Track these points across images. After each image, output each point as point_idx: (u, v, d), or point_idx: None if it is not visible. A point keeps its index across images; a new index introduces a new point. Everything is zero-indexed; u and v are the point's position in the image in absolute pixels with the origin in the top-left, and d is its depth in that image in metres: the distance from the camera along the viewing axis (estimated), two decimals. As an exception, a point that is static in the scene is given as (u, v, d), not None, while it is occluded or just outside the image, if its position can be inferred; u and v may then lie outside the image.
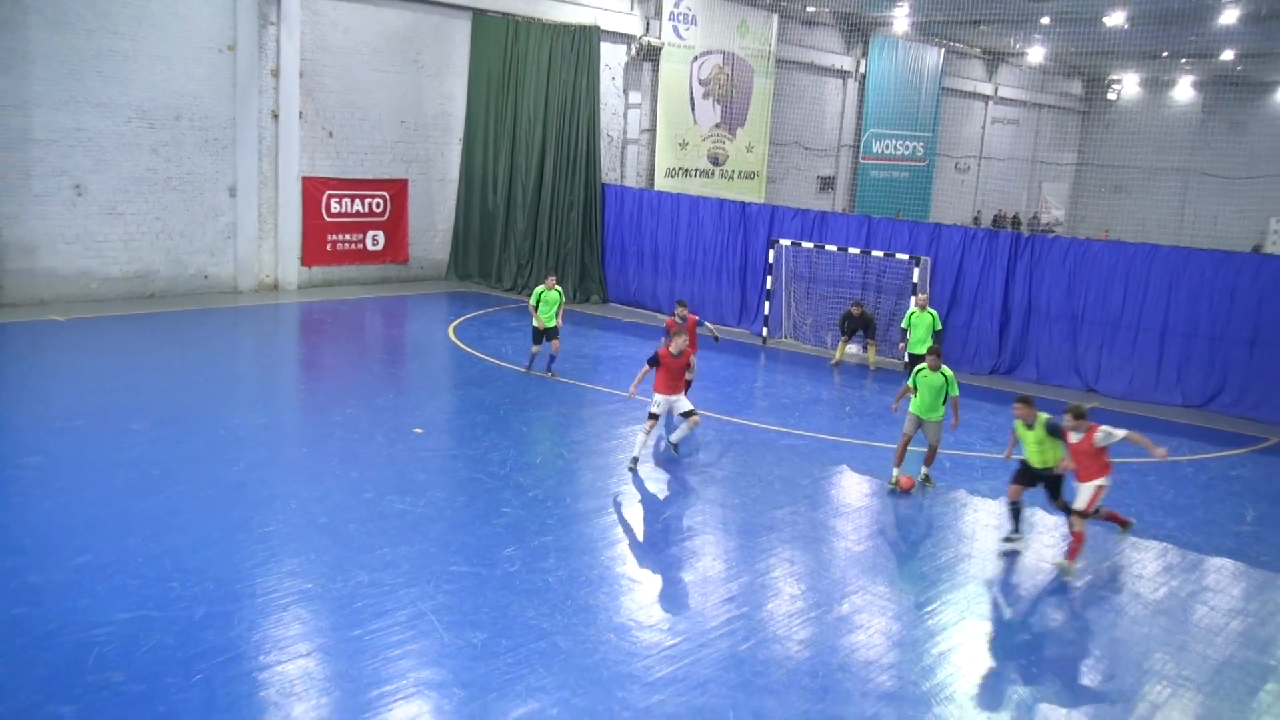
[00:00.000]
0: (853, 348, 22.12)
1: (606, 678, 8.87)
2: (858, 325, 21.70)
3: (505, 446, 14.95)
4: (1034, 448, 11.90)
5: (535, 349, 19.00)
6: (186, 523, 11.53)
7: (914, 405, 14.04)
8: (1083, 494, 11.55)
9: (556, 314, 18.78)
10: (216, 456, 13.78)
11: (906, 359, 19.23)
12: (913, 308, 19.41)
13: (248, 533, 11.34)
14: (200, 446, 14.11)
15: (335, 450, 14.48)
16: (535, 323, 18.60)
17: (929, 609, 10.65)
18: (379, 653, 9.01)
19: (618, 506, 13.14)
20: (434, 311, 24.87)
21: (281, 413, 16.96)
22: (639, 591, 10.73)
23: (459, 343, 21.49)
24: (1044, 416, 11.82)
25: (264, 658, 8.88)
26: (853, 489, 14.68)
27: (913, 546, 12.30)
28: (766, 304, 23.84)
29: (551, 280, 18.97)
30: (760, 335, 24.00)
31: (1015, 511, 12.16)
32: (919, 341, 18.37)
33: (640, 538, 12.28)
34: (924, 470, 14.42)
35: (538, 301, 18.57)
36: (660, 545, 12.06)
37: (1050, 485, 12.09)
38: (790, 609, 10.52)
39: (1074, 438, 11.55)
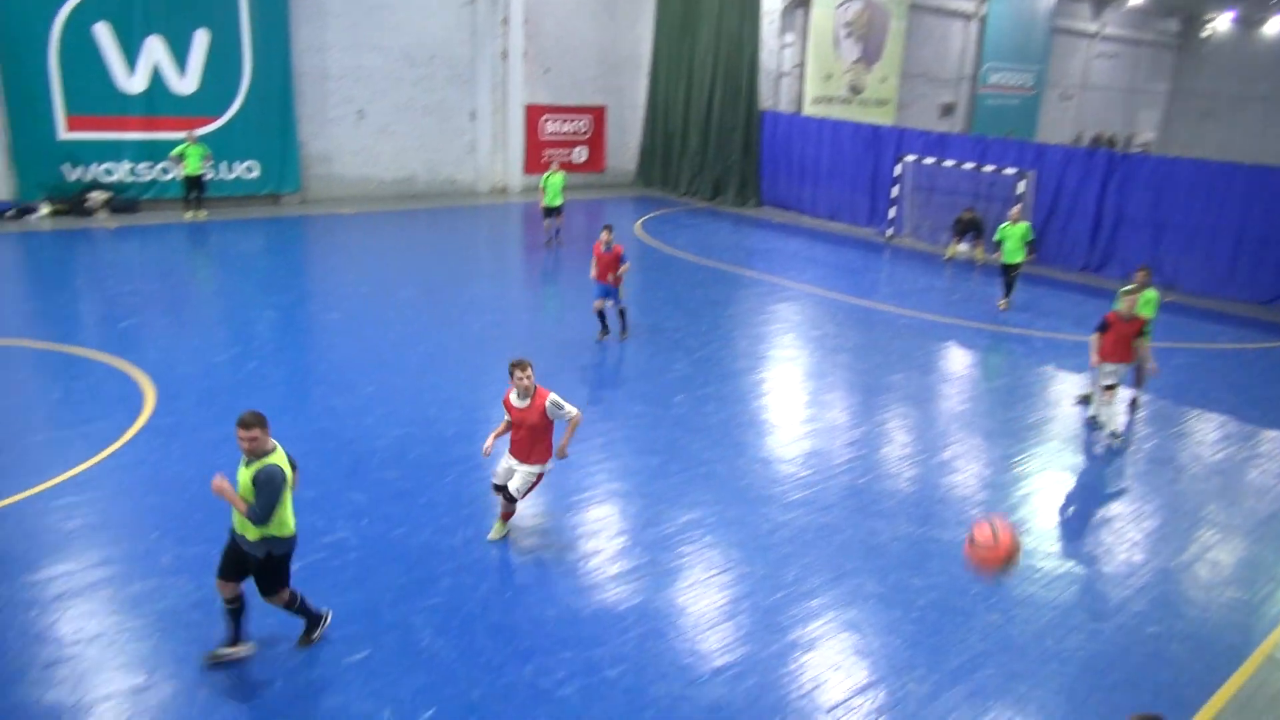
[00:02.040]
0: (963, 247, 21.02)
1: (752, 497, 8.95)
2: (969, 228, 20.62)
3: (678, 317, 14.97)
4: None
5: (545, 223, 19.59)
6: (441, 366, 12.08)
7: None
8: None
9: (559, 194, 19.07)
10: (464, 317, 14.30)
11: (1001, 269, 16.89)
12: (1006, 221, 17.02)
13: (486, 374, 11.79)
14: (451, 309, 14.66)
15: (550, 314, 14.83)
16: (542, 203, 19.27)
17: (1016, 460, 10.27)
18: (581, 468, 9.32)
19: (763, 367, 13.06)
20: (624, 210, 24.85)
21: (510, 285, 17.40)
22: (780, 433, 10.71)
23: (644, 235, 21.45)
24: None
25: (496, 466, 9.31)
26: (957, 360, 14.16)
27: (1006, 409, 11.83)
28: (892, 209, 22.86)
29: (555, 166, 19.73)
30: (885, 234, 23.09)
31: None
32: (1012, 252, 16.37)
33: (782, 392, 12.20)
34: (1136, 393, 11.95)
35: (545, 184, 19.08)
36: (797, 399, 11.96)
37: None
38: (900, 453, 10.33)
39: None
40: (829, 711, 6.06)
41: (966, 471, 9.89)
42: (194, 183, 19.73)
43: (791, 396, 12.03)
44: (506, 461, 7.82)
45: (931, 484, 9.53)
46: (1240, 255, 18.23)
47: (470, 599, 7.04)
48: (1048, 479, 9.86)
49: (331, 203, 22.70)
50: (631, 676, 6.28)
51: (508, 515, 7.95)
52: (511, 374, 7.44)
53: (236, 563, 6.08)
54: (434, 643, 6.52)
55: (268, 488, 5.74)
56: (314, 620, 6.46)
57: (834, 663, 6.58)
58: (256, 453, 5.80)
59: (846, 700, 6.19)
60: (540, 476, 7.81)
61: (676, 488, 9.06)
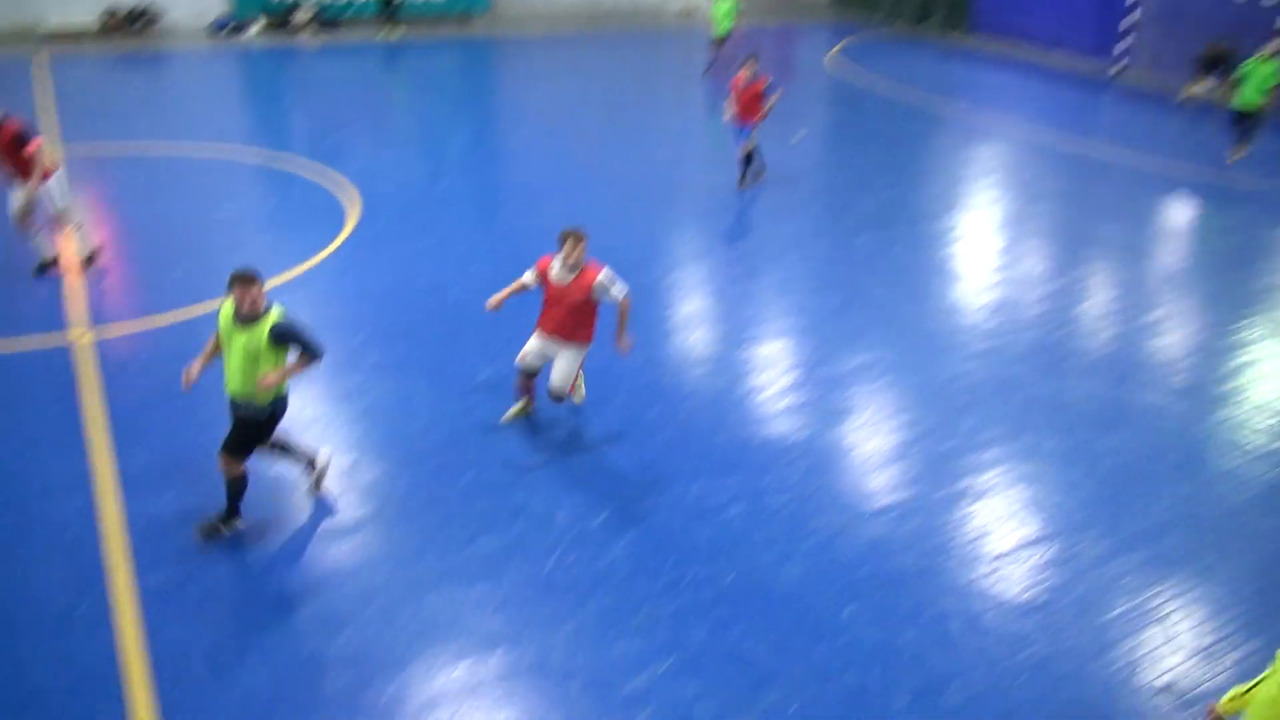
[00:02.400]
0: (1205, 85, 18.67)
1: (933, 345, 8.73)
2: (1216, 63, 18.17)
3: (867, 154, 14.31)
4: None
5: (713, 52, 18.73)
6: (625, 190, 12.15)
7: None
8: None
9: (729, 19, 18.22)
10: (646, 139, 14.21)
11: (1233, 114, 14.44)
12: (1257, 56, 14.30)
13: (671, 199, 11.78)
14: (635, 131, 14.59)
15: (728, 141, 14.50)
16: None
17: (1235, 325, 9.44)
18: (757, 302, 9.34)
19: (956, 211, 12.39)
20: (817, 39, 23.51)
21: (693, 107, 17.06)
22: (969, 282, 10.26)
23: (837, 66, 20.30)
24: None
25: (674, 294, 9.45)
26: (1179, 215, 12.92)
27: (1230, 272, 10.79)
28: (1125, 39, 20.44)
29: None
30: (1113, 69, 20.78)
31: None
32: (1251, 93, 13.93)
33: (976, 238, 11.59)
34: None
35: (714, 11, 18.32)
36: (991, 246, 11.34)
37: None
38: (1101, 311, 9.70)
39: None
40: (993, 560, 6.07)
41: (1175, 335, 9.20)
42: (388, 2, 20.12)
43: (985, 244, 11.41)
44: (540, 343, 6.90)
45: (1132, 345, 8.96)
46: None
47: (642, 419, 7.35)
48: (1270, 349, 9.04)
49: (520, 23, 22.66)
50: (795, 506, 6.47)
51: (529, 396, 7.19)
52: (562, 244, 6.51)
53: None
54: (608, 455, 6.90)
55: (298, 330, 5.57)
56: (232, 510, 5.91)
57: (1004, 514, 6.52)
58: (257, 313, 5.46)
59: (1013, 551, 6.16)
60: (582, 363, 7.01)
61: (854, 328, 8.95)
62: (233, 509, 5.89)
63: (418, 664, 5.06)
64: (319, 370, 7.74)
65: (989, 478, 6.89)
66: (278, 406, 5.78)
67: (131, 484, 6.31)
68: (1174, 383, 8.29)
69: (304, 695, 4.81)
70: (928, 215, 12.01)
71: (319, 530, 6.01)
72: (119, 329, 8.29)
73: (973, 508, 6.57)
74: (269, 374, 5.48)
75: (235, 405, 5.73)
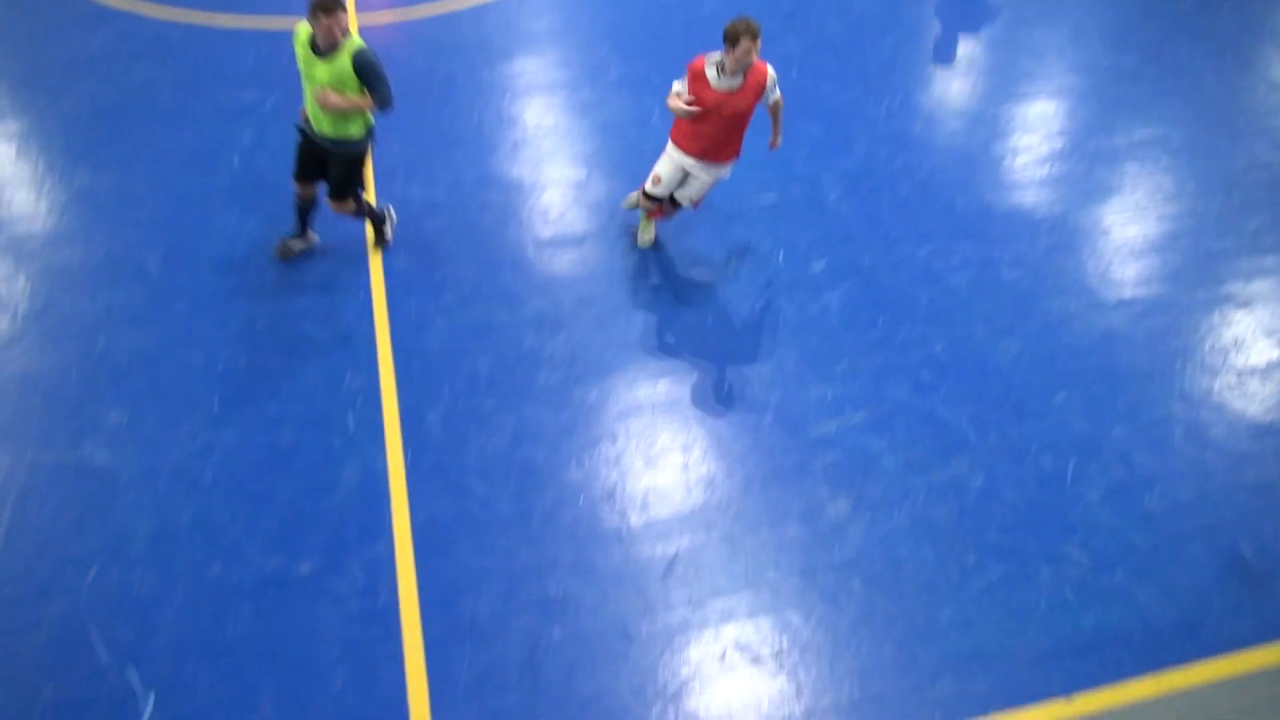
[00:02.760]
0: None
1: (1241, 126, 7.54)
2: None
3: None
4: None
5: None
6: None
7: None
8: None
9: None
10: None
11: None
12: None
13: None
14: None
15: None
16: None
17: None
18: (1033, 52, 8.33)
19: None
20: None
21: None
22: (1308, 54, 8.60)
23: None
24: None
25: (942, 35, 8.62)
26: None
27: None
28: None
29: None
30: None
31: None
32: None
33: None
34: None
35: None
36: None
37: None
38: None
39: None
40: (1239, 374, 5.57)
41: None
42: None
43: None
44: (679, 159, 5.67)
45: None
46: None
47: (884, 170, 7.02)
48: None
49: None
50: (1028, 282, 6.12)
51: (658, 214, 6.21)
52: (736, 43, 5.02)
53: (317, 163, 5.63)
54: (839, 204, 6.72)
55: (379, 67, 5.16)
56: (379, 219, 6.08)
57: (1267, 328, 5.88)
58: (336, 42, 5.05)
59: (1266, 369, 5.61)
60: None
61: (1145, 96, 7.86)
62: (374, 219, 6.03)
63: (623, 374, 5.46)
64: (561, 81, 7.85)
65: (1261, 286, 6.16)
66: (372, 137, 5.55)
67: (384, 173, 6.87)
68: None
69: (521, 383, 5.36)
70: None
71: (544, 239, 6.37)
72: (374, 18, 8.67)
73: (1232, 315, 5.96)
74: (330, 93, 5.11)
75: (326, 145, 5.45)
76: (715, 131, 5.42)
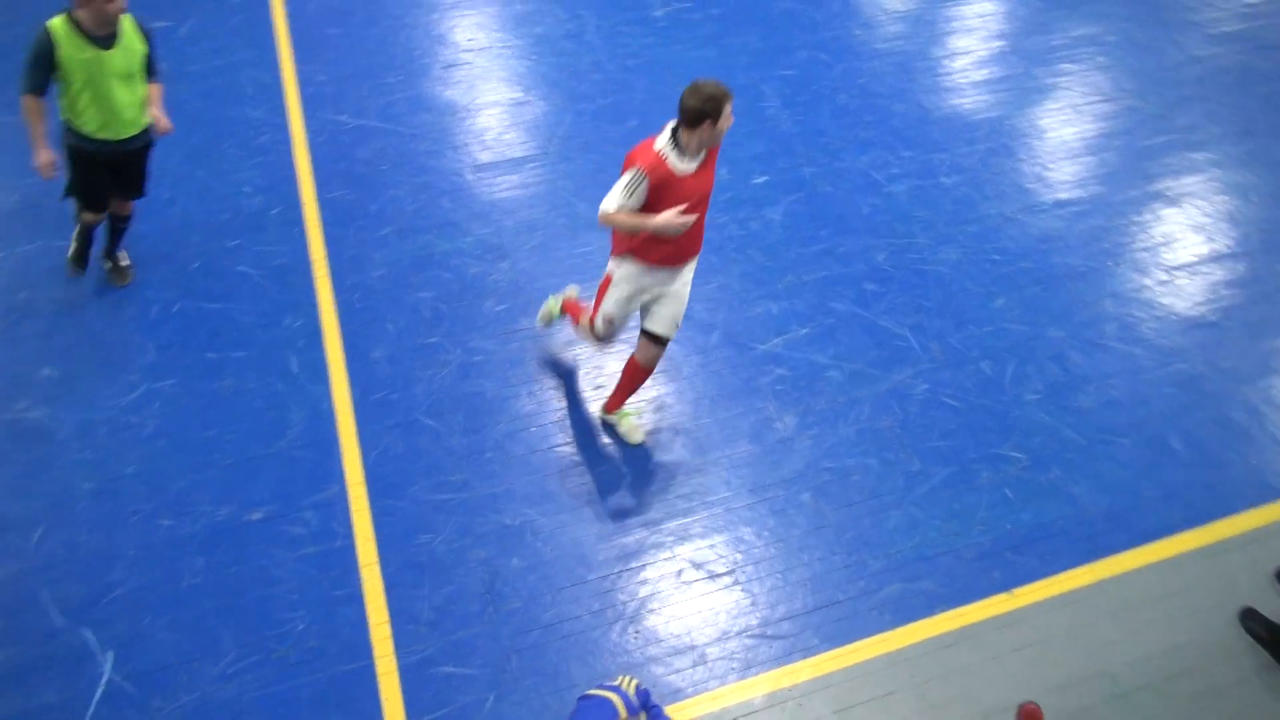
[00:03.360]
0: None
1: (1172, 19, 7.57)
2: None
3: None
4: None
5: None
6: None
7: None
8: None
9: None
10: None
11: None
12: None
13: None
14: None
15: None
16: None
17: None
18: (973, -49, 8.20)
19: None
20: None
21: None
22: (1240, -58, 8.58)
23: None
24: None
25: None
26: None
27: None
28: None
29: None
30: None
31: None
32: None
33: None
34: None
35: None
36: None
37: None
38: (1401, -8, 8.01)
39: None
40: (1169, 270, 5.70)
41: None
42: None
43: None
44: (641, 279, 4.24)
45: None
46: None
47: (822, 77, 6.92)
48: None
49: None
50: (966, 188, 6.15)
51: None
52: (717, 115, 3.74)
53: (115, 174, 4.91)
54: (779, 115, 6.63)
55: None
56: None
57: (1196, 224, 6.00)
58: (116, 23, 4.41)
59: (1194, 265, 5.75)
60: None
61: (1080, -8, 7.82)
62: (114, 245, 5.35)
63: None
64: (492, -6, 7.54)
65: (1191, 182, 6.26)
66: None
67: (311, 100, 6.61)
68: None
69: (466, 315, 5.29)
70: None
71: (483, 164, 6.21)
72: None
73: (1163, 212, 6.07)
74: (161, 115, 4.61)
75: (135, 144, 4.77)
76: (696, 229, 4.13)
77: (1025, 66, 7.09)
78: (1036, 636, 4.13)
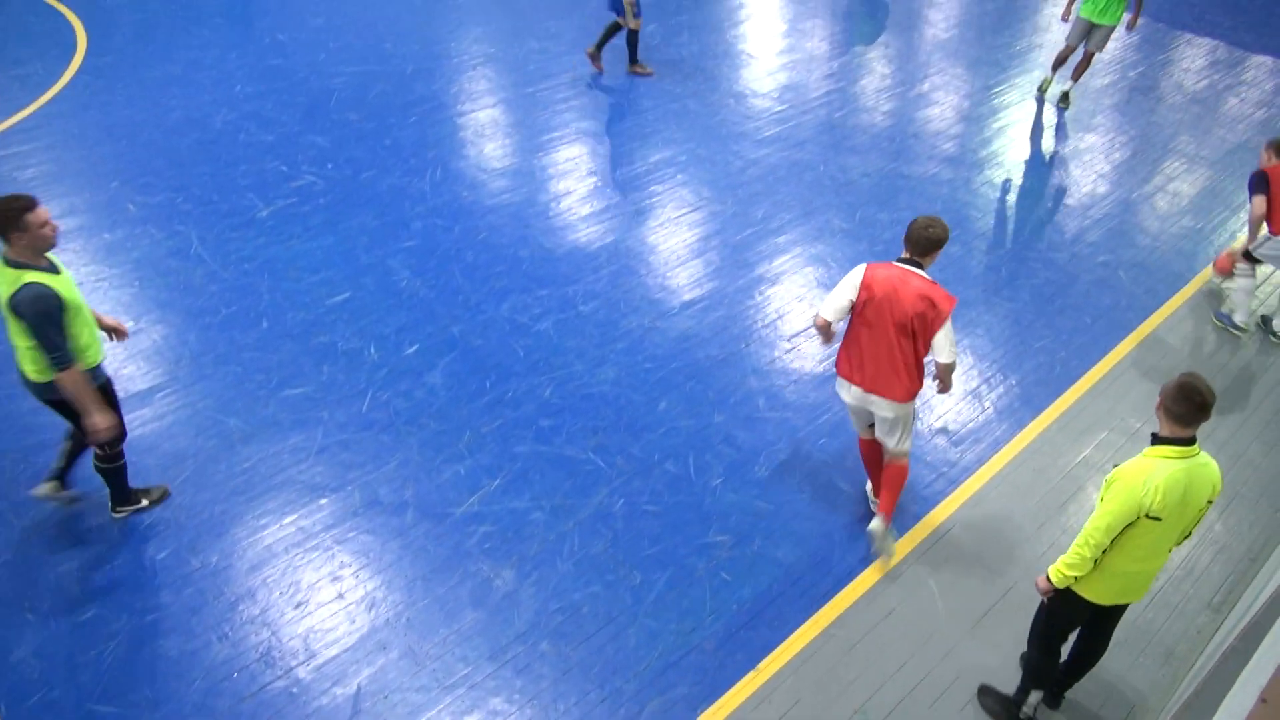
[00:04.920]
0: None
1: (725, 134, 8.78)
2: None
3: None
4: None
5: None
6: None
7: (1085, 9, 9.14)
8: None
9: None
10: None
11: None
12: None
13: (442, 2, 10.95)
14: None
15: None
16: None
17: (996, 90, 10.00)
18: (548, 107, 9.00)
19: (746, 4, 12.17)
20: None
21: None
22: (756, 65, 10.24)
23: None
24: None
25: (460, 106, 8.98)
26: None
27: (994, 35, 11.28)
28: None
29: None
30: None
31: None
32: None
33: (760, 19, 11.47)
34: (1070, 86, 9.71)
35: None
36: (775, 27, 11.28)
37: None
38: (879, 85, 9.99)
39: None
40: (790, 339, 6.45)
41: (944, 104, 9.65)
42: None
43: (770, 25, 11.33)
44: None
45: (907, 118, 9.34)
46: None
47: (444, 241, 7.12)
48: (1026, 110, 9.68)
49: None
50: (605, 311, 6.57)
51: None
52: (926, 248, 4.47)
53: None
54: (412, 283, 6.70)
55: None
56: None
57: (798, 295, 6.88)
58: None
59: (807, 329, 6.56)
60: None
61: (648, 125, 8.84)
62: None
63: (241, 524, 4.96)
64: (73, 230, 6.96)
65: (782, 261, 7.20)
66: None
67: None
68: (943, 151, 8.78)
69: (123, 573, 4.64)
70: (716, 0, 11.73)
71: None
72: None
73: (770, 292, 6.89)
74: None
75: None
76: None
77: (621, 194, 7.83)
78: (791, 700, 4.31)
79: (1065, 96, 9.72)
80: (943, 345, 4.45)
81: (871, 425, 4.93)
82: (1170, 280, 7.33)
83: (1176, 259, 7.60)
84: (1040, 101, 9.83)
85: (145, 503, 4.96)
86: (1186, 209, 8.27)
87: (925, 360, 4.59)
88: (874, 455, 5.07)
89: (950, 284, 7.05)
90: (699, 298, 6.77)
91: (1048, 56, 10.75)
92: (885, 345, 4.50)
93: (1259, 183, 6.48)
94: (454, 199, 7.61)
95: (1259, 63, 11.10)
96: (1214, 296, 7.17)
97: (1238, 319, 6.81)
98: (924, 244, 4.45)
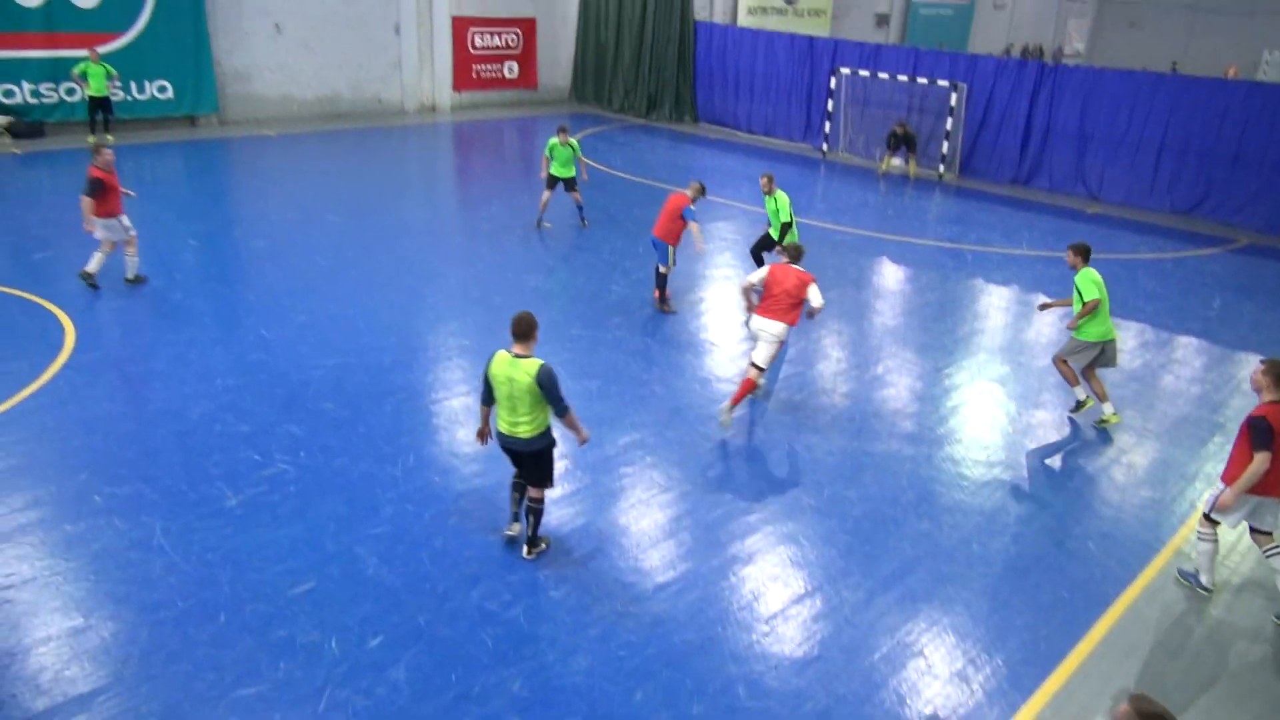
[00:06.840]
0: (897, 161, 21.17)
1: (691, 417, 9.05)
2: (901, 142, 20.69)
3: (614, 238, 14.83)
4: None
5: (547, 195, 14.90)
6: (372, 292, 11.83)
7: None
8: None
9: (573, 166, 14.88)
10: (393, 241, 13.96)
11: None
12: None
13: (419, 301, 11.61)
14: (380, 232, 14.29)
15: (483, 238, 14.56)
16: (544, 173, 14.94)
17: (946, 371, 10.54)
18: (520, 393, 9.28)
19: (702, 286, 13.06)
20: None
21: (441, 208, 17.01)
22: (718, 353, 10.79)
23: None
24: None
25: (435, 394, 9.25)
26: (890, 276, 14.34)
27: (936, 323, 12.08)
28: (827, 124, 22.73)
29: (563, 135, 14.68)
30: (820, 150, 23.03)
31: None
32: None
33: (719, 311, 12.24)
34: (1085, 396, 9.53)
35: (550, 153, 14.78)
36: (734, 317, 12.01)
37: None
38: (835, 369, 10.50)
39: None
40: (768, 620, 6.27)
41: (899, 385, 10.12)
42: (100, 104, 18.67)
43: (727, 316, 12.08)
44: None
45: (865, 398, 9.74)
46: (1161, 165, 18.67)
47: (414, 527, 7.05)
48: (976, 390, 10.15)
49: (252, 124, 21.75)
50: (576, 596, 6.40)
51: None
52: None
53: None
54: (379, 571, 6.53)
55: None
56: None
57: (772, 574, 6.78)
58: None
59: (784, 610, 6.40)
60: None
61: (616, 410, 9.11)
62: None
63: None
64: (31, 523, 6.82)
65: (754, 541, 7.16)
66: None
67: None
68: (902, 429, 9.08)
69: None
70: (676, 292, 12.54)
71: (38, 712, 5.19)
72: None
73: (744, 572, 6.79)
74: None
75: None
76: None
77: (593, 477, 7.90)
78: None
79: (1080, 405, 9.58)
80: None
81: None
82: (1139, 551, 7.35)
83: (1142, 529, 7.67)
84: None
85: None
86: (1143, 480, 8.47)
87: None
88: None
89: (924, 560, 7.02)
90: (672, 580, 6.64)
91: (990, 341, 11.45)
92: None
93: (1264, 433, 6.29)
94: (425, 484, 7.62)
95: (1184, 343, 11.89)
96: (1183, 556, 7.18)
97: (1204, 579, 6.86)
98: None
